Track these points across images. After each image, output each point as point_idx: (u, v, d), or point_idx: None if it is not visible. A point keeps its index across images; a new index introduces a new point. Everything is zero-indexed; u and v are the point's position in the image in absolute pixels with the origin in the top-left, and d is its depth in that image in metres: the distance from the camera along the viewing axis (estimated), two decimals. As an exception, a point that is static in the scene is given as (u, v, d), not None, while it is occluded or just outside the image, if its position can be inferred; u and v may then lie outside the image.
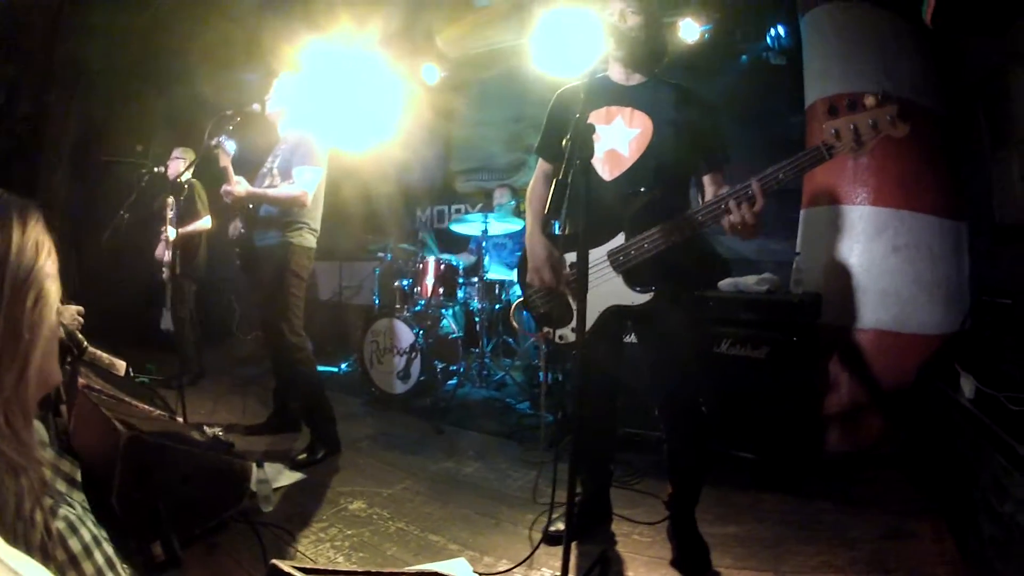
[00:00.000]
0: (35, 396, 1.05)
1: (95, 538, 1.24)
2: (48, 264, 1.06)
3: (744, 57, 6.35)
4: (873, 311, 4.15)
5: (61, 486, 1.33)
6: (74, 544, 1.19)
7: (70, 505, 1.28)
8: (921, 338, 4.07)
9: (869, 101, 2.19)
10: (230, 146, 4.06)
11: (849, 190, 4.27)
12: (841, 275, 4.25)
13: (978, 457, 2.52)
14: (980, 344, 3.52)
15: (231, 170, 3.99)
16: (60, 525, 1.18)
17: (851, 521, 3.15)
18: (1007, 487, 2.19)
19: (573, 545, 2.89)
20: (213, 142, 4.05)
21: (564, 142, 1.99)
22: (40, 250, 1.05)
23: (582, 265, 2.00)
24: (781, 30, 5.84)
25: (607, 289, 2.65)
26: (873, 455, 3.98)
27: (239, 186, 3.94)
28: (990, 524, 2.34)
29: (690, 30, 5.86)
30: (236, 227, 4.26)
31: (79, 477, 1.39)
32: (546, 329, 2.92)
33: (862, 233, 4.22)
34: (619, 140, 2.72)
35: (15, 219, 1.02)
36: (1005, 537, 2.20)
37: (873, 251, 4.18)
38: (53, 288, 1.07)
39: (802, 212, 4.69)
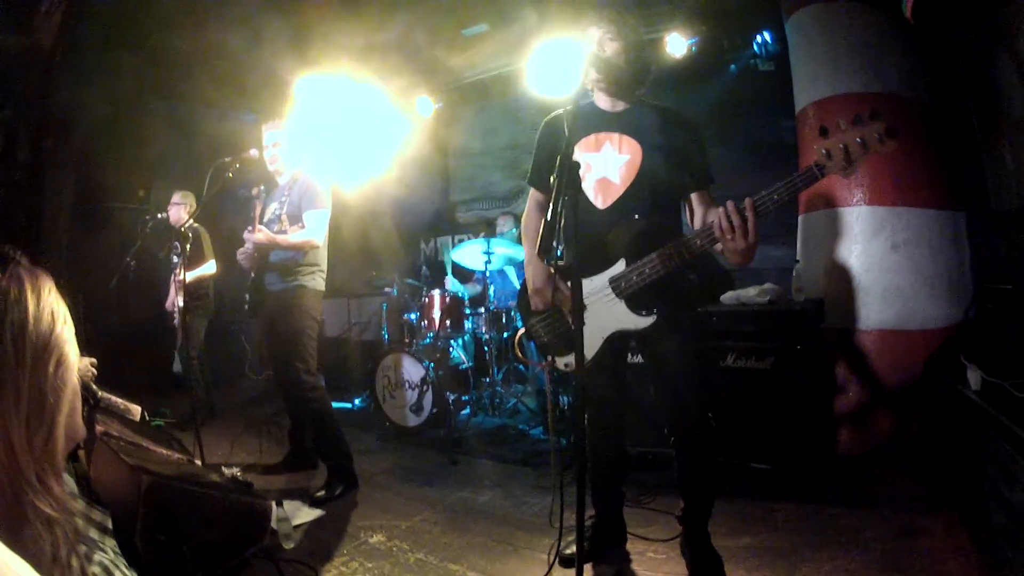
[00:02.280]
0: (63, 452, 1.12)
1: (127, 580, 1.31)
2: (65, 330, 1.13)
3: (733, 66, 6.45)
4: (876, 311, 4.19)
5: (94, 534, 1.39)
6: (107, 587, 1.26)
7: (103, 551, 1.34)
8: (926, 332, 4.11)
9: (858, 118, 2.24)
10: (264, 197, 4.21)
11: (845, 192, 4.32)
12: (842, 278, 4.29)
13: (987, 447, 2.55)
14: (985, 333, 3.55)
15: (257, 219, 4.10)
16: (96, 570, 1.25)
17: (864, 523, 3.18)
18: (1015, 474, 2.22)
19: (589, 566, 2.94)
20: (254, 191, 4.19)
21: (552, 178, 2.03)
22: (56, 318, 1.11)
23: (576, 297, 2.02)
24: (767, 36, 5.93)
25: (611, 314, 2.69)
26: (885, 454, 4.01)
27: (260, 234, 4.04)
28: (1000, 513, 2.37)
29: (677, 44, 5.96)
30: (243, 253, 4.31)
31: (110, 525, 1.46)
32: (550, 357, 2.96)
33: (860, 234, 4.27)
34: (609, 167, 2.77)
35: (29, 289, 1.08)
36: (1015, 525, 2.23)
37: (872, 251, 4.23)
38: (71, 352, 1.13)
39: (800, 218, 4.73)
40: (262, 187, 4.24)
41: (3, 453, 1.02)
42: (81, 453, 2.40)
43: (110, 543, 1.42)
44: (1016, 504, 2.21)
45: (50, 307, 1.10)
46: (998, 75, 3.75)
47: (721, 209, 2.35)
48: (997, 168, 3.92)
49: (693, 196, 2.78)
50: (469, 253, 6.34)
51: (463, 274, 7.26)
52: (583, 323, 2.01)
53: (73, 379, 1.13)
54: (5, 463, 1.02)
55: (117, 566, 1.31)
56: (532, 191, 3.11)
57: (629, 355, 3.19)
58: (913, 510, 3.24)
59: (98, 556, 1.28)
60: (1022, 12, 3.31)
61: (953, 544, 2.86)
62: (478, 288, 6.83)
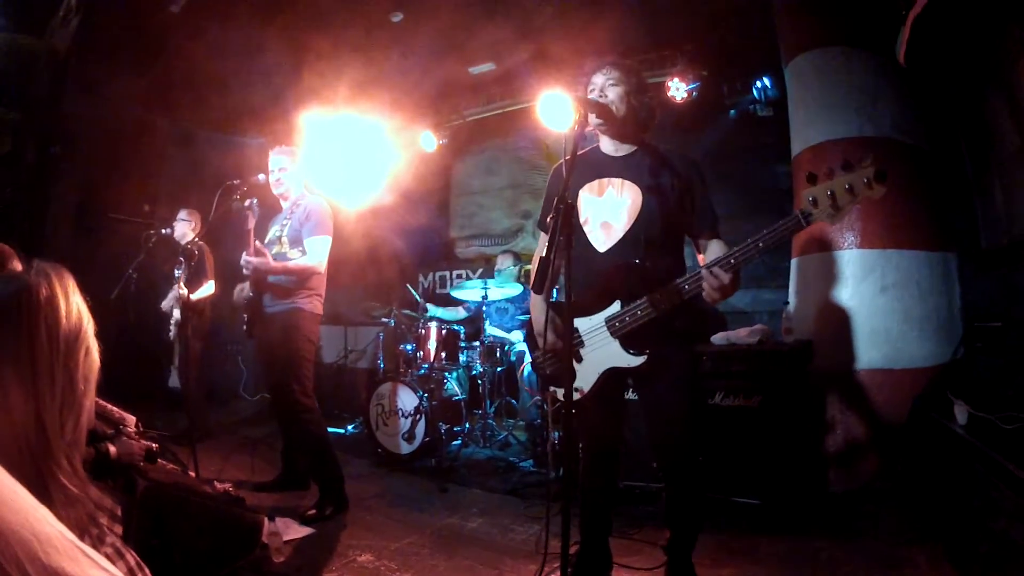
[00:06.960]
0: (85, 436, 1.22)
1: (138, 563, 1.37)
2: (90, 324, 1.24)
3: (732, 112, 6.58)
4: (864, 352, 4.26)
5: (104, 519, 1.46)
6: (120, 567, 1.32)
7: (114, 536, 1.41)
8: (913, 372, 4.16)
9: (847, 164, 2.21)
10: (256, 210, 4.23)
11: (837, 235, 4.41)
12: (832, 319, 4.36)
13: (972, 480, 2.61)
14: (974, 370, 3.61)
15: (253, 236, 4.14)
16: (108, 551, 1.31)
17: (847, 555, 3.23)
18: (999, 504, 2.28)
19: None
20: (246, 203, 4.22)
21: (547, 219, 2.11)
22: (83, 312, 1.23)
23: (567, 331, 2.09)
24: (767, 81, 6.06)
25: (606, 352, 2.75)
26: (870, 490, 4.04)
27: (259, 258, 4.06)
28: (984, 542, 2.43)
29: (678, 89, 6.10)
30: (241, 291, 4.37)
31: (120, 513, 1.53)
32: (552, 389, 3.01)
33: (851, 276, 4.35)
34: (611, 211, 2.82)
35: (58, 287, 1.20)
36: (999, 553, 2.29)
37: (862, 293, 4.30)
38: (95, 344, 1.25)
39: (793, 261, 4.82)
40: (255, 200, 4.26)
41: (34, 435, 1.11)
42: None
43: (117, 530, 1.48)
44: (1000, 532, 2.26)
45: (77, 304, 1.22)
46: (990, 113, 3.84)
47: (704, 272, 2.44)
48: (988, 206, 4.01)
49: (701, 241, 2.86)
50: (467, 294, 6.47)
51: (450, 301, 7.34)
52: (572, 354, 2.08)
53: (97, 366, 1.24)
54: (35, 444, 1.11)
55: (128, 550, 1.38)
56: (541, 235, 3.17)
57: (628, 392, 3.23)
58: (896, 543, 3.29)
59: (110, 538, 1.35)
60: (1014, 48, 3.39)
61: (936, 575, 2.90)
62: (463, 314, 6.92)
